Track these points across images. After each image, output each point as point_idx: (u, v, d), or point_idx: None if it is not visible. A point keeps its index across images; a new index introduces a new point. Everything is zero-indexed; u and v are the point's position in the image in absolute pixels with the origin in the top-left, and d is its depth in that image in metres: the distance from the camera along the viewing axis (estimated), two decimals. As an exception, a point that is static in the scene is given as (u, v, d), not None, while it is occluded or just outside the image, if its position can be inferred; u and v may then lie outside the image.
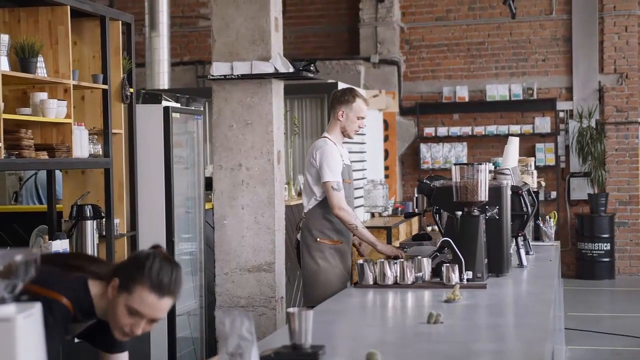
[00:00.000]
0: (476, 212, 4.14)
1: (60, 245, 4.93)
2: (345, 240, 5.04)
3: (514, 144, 5.42)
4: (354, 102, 5.00)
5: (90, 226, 5.15)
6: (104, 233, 5.39)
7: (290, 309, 2.56)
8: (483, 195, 4.13)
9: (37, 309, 1.64)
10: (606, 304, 10.27)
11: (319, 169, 4.89)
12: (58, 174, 5.83)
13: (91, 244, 5.18)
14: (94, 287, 2.55)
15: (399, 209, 9.79)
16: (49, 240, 5.04)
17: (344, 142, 5.15)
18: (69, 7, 4.99)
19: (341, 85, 8.24)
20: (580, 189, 11.71)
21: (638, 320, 8.97)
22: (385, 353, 2.61)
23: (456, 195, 4.15)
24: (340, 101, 5.03)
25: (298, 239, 5.12)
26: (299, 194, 8.10)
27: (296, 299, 7.33)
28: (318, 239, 4.96)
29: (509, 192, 4.45)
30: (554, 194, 11.69)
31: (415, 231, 9.25)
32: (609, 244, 11.37)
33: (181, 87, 11.29)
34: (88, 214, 5.17)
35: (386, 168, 11.45)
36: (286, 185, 7.62)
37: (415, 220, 9.63)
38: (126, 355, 2.80)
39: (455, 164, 4.22)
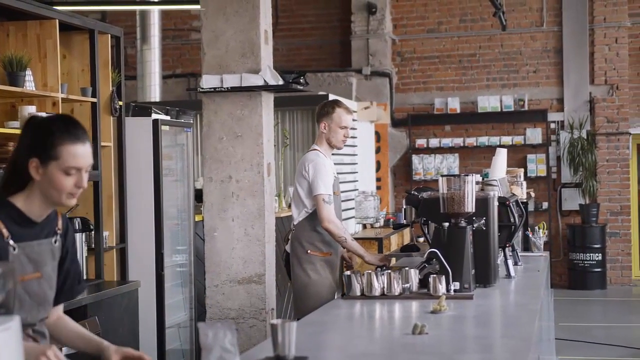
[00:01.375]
0: (463, 223, 4.16)
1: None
2: (334, 252, 5.06)
3: (501, 155, 5.43)
4: (333, 112, 5.06)
5: (79, 239, 5.15)
6: (93, 246, 5.39)
7: (274, 321, 2.56)
8: (470, 206, 4.15)
9: (15, 322, 1.65)
10: (598, 314, 10.29)
11: (311, 182, 4.92)
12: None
13: (80, 257, 5.18)
14: (16, 199, 2.56)
15: (391, 220, 9.81)
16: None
17: (332, 154, 5.18)
18: (57, 20, 5.02)
19: (332, 97, 8.26)
20: (572, 200, 11.74)
21: (629, 330, 8.99)
22: (369, 364, 2.62)
23: (443, 206, 4.17)
24: (321, 114, 5.10)
25: (287, 250, 5.13)
26: (290, 206, 8.11)
27: (287, 310, 7.33)
28: (308, 251, 4.98)
29: (496, 203, 4.47)
30: (545, 205, 11.71)
31: (406, 242, 9.26)
32: (600, 254, 11.39)
33: (173, 99, 11.31)
34: (77, 226, 5.17)
35: (378, 179, 11.48)
36: (276, 197, 7.63)
37: (407, 231, 9.65)
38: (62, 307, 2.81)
39: (442, 176, 4.23)
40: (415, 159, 12.03)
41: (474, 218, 4.24)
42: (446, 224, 4.15)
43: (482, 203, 4.30)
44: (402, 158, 12.19)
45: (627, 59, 11.78)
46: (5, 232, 2.49)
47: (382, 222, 9.59)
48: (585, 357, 7.65)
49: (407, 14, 12.30)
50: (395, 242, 8.96)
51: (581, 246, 11.38)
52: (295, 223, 5.05)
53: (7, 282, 1.66)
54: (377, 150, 11.56)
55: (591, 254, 11.34)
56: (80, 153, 2.53)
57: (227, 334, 2.35)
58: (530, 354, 2.90)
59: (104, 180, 5.50)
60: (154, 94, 10.50)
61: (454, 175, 4.21)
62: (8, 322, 1.63)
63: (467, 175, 4.18)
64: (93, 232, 5.38)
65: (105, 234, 5.52)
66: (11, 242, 2.49)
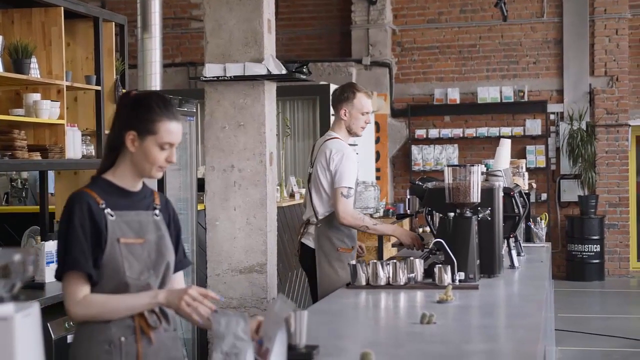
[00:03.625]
0: (468, 214, 4.16)
1: (53, 246, 4.92)
2: (355, 246, 4.97)
3: (505, 146, 5.44)
4: (354, 98, 4.84)
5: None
6: (96, 234, 5.38)
7: (285, 309, 2.56)
8: (475, 196, 4.15)
9: (35, 308, 1.65)
10: (596, 305, 10.32)
11: (334, 173, 4.72)
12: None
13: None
14: (109, 175, 2.72)
15: (390, 210, 9.82)
16: (41, 241, 5.03)
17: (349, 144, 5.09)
18: (62, 8, 5.00)
19: (333, 87, 8.25)
20: (571, 191, 11.76)
21: (627, 321, 9.02)
22: (379, 353, 2.63)
23: (449, 196, 4.17)
24: (340, 99, 4.88)
25: (306, 243, 4.94)
26: (291, 195, 8.11)
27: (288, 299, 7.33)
28: (339, 249, 4.81)
29: (501, 194, 4.47)
30: (544, 196, 11.73)
31: (406, 233, 9.23)
32: (598, 245, 11.42)
33: (173, 88, 11.30)
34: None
35: (377, 170, 11.48)
36: (278, 187, 7.63)
37: (407, 221, 9.66)
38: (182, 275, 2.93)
39: (448, 166, 4.23)
40: (414, 149, 12.04)
41: (479, 208, 4.25)
42: (452, 214, 4.15)
43: (488, 193, 4.30)
44: (401, 148, 12.19)
45: (627, 50, 11.78)
46: (100, 200, 2.64)
47: (382, 213, 9.60)
48: (583, 348, 7.68)
49: (408, 4, 12.28)
50: (395, 232, 8.95)
51: (580, 237, 11.41)
52: (320, 217, 4.82)
53: (26, 269, 1.67)
54: (377, 141, 11.56)
55: (589, 246, 11.38)
56: (176, 130, 2.70)
57: (239, 322, 2.35)
58: (539, 344, 2.91)
59: (107, 168, 5.49)
60: (155, 82, 10.43)
61: (459, 166, 4.21)
62: (28, 308, 1.63)
63: (473, 166, 4.18)
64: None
65: (108, 222, 5.50)
66: (108, 209, 2.64)
